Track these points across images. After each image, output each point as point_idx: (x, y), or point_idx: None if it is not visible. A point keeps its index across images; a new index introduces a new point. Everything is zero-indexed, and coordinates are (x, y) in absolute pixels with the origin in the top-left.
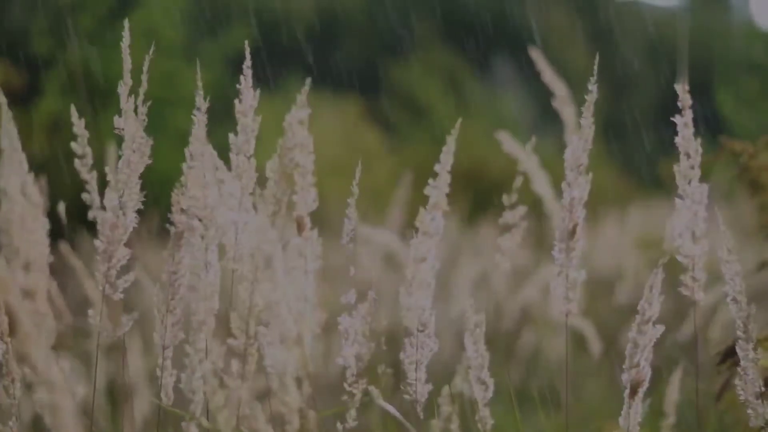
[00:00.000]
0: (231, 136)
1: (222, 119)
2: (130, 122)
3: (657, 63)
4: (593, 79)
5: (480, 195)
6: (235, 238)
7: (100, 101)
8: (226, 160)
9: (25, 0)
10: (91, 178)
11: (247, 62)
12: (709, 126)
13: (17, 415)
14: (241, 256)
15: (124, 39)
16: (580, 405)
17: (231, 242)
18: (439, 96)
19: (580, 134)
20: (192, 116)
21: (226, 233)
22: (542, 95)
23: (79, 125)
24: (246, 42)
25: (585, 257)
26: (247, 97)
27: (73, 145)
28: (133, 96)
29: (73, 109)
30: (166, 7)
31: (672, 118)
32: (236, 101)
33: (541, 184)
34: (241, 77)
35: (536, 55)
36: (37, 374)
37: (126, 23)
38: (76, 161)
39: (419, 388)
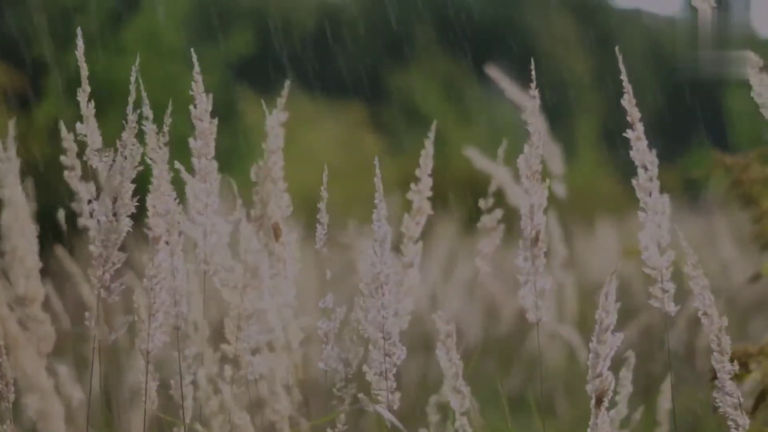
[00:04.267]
0: (191, 140)
1: (226, 122)
2: (128, 130)
3: (657, 71)
4: (533, 85)
5: (479, 201)
6: (204, 240)
7: (100, 105)
8: (226, 164)
9: (26, 3)
10: (81, 188)
11: (196, 68)
12: (717, 135)
13: (11, 418)
14: (211, 258)
15: (78, 47)
16: (575, 412)
17: (200, 245)
18: (440, 103)
19: (530, 141)
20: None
21: (196, 235)
22: (543, 102)
23: (67, 138)
24: (192, 50)
25: (581, 264)
26: (201, 102)
27: (62, 158)
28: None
29: (61, 124)
30: (168, 11)
31: (624, 134)
32: (191, 107)
33: (516, 196)
34: (192, 83)
35: (495, 73)
36: (27, 381)
37: (79, 31)
38: (66, 173)
39: (388, 396)
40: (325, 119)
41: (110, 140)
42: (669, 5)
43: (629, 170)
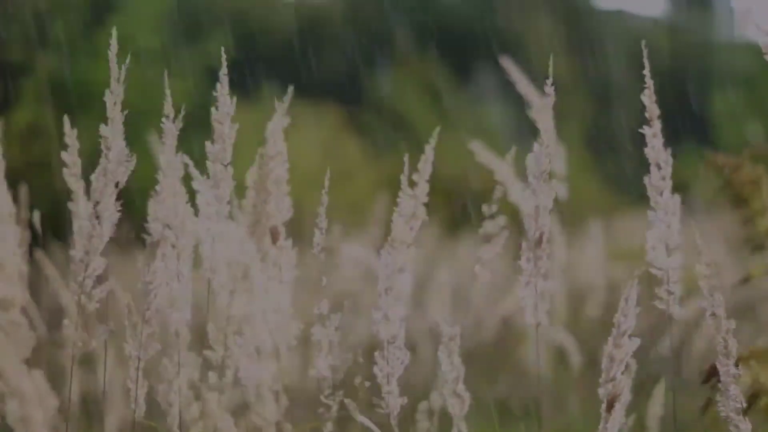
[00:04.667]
0: (207, 144)
1: (199, 128)
2: (115, 131)
3: (642, 73)
4: (549, 82)
5: (462, 205)
6: (211, 247)
7: (75, 110)
8: (202, 170)
9: (2, 6)
10: (78, 187)
11: (224, 69)
12: (698, 136)
13: None
14: (217, 266)
15: (111, 47)
16: (563, 418)
17: (207, 252)
18: (422, 106)
19: (540, 141)
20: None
21: (202, 243)
22: (526, 104)
23: (70, 135)
24: (222, 48)
25: (569, 269)
26: (224, 104)
27: (63, 154)
28: (115, 105)
29: (65, 119)
30: (144, 15)
31: (640, 130)
32: (213, 109)
33: (518, 194)
34: (218, 84)
35: (509, 65)
36: (8, 386)
37: (114, 32)
38: (65, 170)
39: (392, 401)
40: (305, 123)
41: (86, 142)
42: (652, 7)
43: (613, 173)
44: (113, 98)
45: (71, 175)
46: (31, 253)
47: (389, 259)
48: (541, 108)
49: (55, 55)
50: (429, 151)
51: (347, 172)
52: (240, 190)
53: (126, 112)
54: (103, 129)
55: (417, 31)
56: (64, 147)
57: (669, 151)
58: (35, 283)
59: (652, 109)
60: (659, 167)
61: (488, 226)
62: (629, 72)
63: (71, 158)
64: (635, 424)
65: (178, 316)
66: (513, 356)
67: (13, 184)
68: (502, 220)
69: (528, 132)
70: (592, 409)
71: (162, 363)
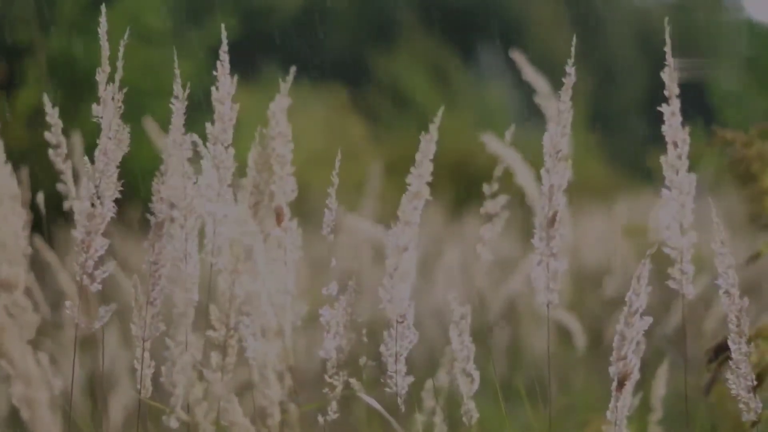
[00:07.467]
0: (208, 125)
1: (205, 109)
2: (108, 110)
3: (646, 53)
4: (570, 62)
5: (466, 185)
6: (213, 229)
7: (81, 91)
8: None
9: None
10: (66, 168)
11: (224, 47)
12: (699, 117)
13: None
14: (219, 248)
15: (101, 24)
16: (566, 398)
17: (209, 234)
18: (425, 86)
19: (557, 119)
20: (170, 105)
21: (206, 224)
22: (530, 84)
23: (52, 114)
24: (222, 25)
25: (572, 249)
26: (224, 84)
27: (46, 134)
28: (111, 84)
29: (45, 98)
30: None
31: (659, 108)
32: (213, 88)
33: (525, 177)
34: (218, 63)
35: (517, 55)
36: (13, 367)
37: (103, 8)
38: (51, 151)
39: (399, 380)
40: (310, 104)
41: (90, 124)
42: None
43: (615, 153)
44: (104, 77)
45: (57, 156)
46: (31, 236)
47: (395, 238)
48: (549, 91)
49: (61, 36)
50: (433, 129)
51: (351, 152)
52: (243, 170)
53: (126, 89)
54: (95, 109)
55: (421, 10)
56: (47, 127)
57: (687, 129)
58: (40, 265)
59: (672, 88)
60: (676, 146)
61: (489, 206)
62: (633, 52)
63: (56, 138)
64: (639, 402)
65: (186, 296)
66: (517, 335)
67: (17, 165)
68: (503, 199)
69: (532, 111)
70: (595, 389)
71: (166, 343)
